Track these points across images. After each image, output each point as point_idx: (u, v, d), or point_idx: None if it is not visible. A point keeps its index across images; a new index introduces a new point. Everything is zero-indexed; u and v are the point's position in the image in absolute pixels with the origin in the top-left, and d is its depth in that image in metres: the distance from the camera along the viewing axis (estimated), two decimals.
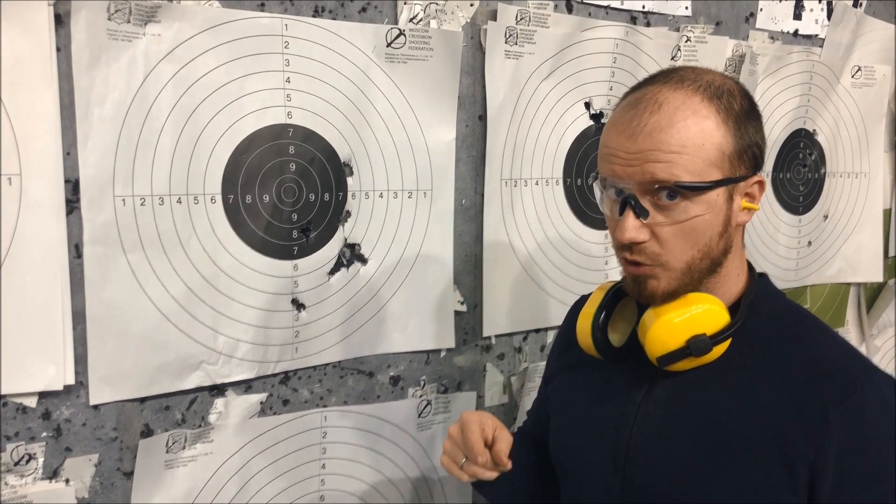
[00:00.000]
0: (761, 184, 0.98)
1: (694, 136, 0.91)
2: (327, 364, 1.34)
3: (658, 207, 0.94)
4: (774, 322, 1.01)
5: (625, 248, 0.96)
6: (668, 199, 0.93)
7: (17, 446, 1.09)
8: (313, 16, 1.24)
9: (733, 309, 1.00)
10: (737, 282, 1.02)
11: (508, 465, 1.08)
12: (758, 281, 1.05)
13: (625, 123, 0.94)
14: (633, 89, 1.00)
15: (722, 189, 0.94)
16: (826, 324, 1.05)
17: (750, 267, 1.06)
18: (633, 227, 0.93)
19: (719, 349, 0.98)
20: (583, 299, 1.13)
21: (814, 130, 1.92)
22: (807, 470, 0.90)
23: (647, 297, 0.98)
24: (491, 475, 1.10)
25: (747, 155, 0.95)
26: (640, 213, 0.93)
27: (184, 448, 1.22)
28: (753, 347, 0.99)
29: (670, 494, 0.98)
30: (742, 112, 0.95)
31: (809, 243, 1.97)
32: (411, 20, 1.31)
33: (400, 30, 1.30)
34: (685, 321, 0.96)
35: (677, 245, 0.94)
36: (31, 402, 1.09)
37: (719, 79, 0.97)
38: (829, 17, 1.86)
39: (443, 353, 1.47)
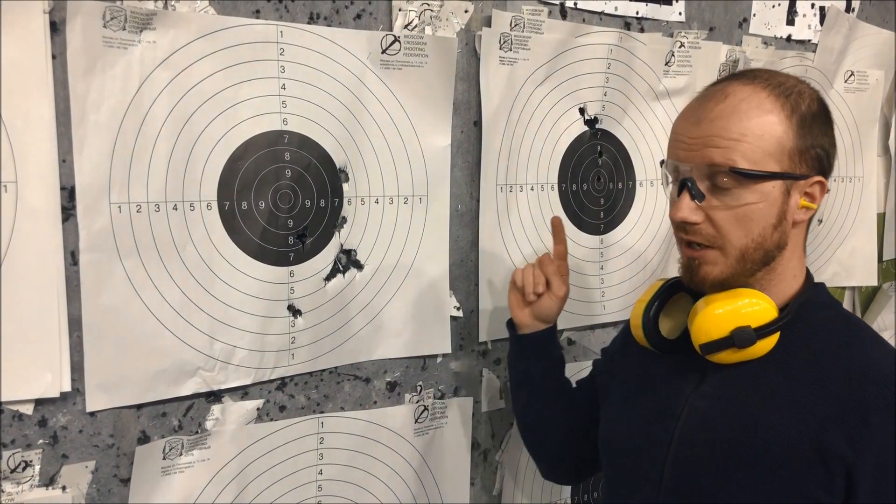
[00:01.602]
0: (822, 185, 1.01)
1: (754, 126, 0.96)
2: (324, 370, 1.35)
3: (714, 192, 0.98)
4: (827, 328, 1.03)
5: (681, 229, 1.01)
6: (724, 185, 0.97)
7: (13, 453, 1.09)
8: (308, 23, 1.24)
9: (785, 310, 1.02)
10: (792, 284, 1.05)
11: (540, 288, 1.29)
12: (815, 287, 1.07)
13: (692, 111, 1.01)
14: (710, 85, 1.05)
15: (778, 182, 0.97)
16: (880, 335, 1.06)
17: (809, 274, 1.08)
18: (686, 207, 0.99)
19: (765, 345, 1.00)
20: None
21: None
22: (844, 471, 0.92)
23: (699, 281, 1.02)
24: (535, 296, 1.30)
25: (809, 155, 0.99)
26: (696, 195, 0.99)
27: (180, 455, 1.22)
28: (802, 349, 1.00)
29: (707, 487, 1.00)
30: (809, 113, 0.99)
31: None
32: (406, 27, 1.32)
33: (395, 36, 1.31)
34: (732, 312, 0.99)
35: (731, 230, 0.99)
36: (28, 410, 1.09)
37: (792, 81, 1.02)
38: (821, 22, 1.87)
39: (439, 359, 1.47)
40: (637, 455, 1.10)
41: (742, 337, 0.98)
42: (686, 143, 1.00)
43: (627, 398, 1.16)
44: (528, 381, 1.34)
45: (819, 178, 1.00)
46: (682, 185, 1.00)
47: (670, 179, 1.05)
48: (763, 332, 0.99)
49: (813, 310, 1.03)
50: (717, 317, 0.99)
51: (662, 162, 1.07)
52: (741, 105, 0.97)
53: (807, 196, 1.00)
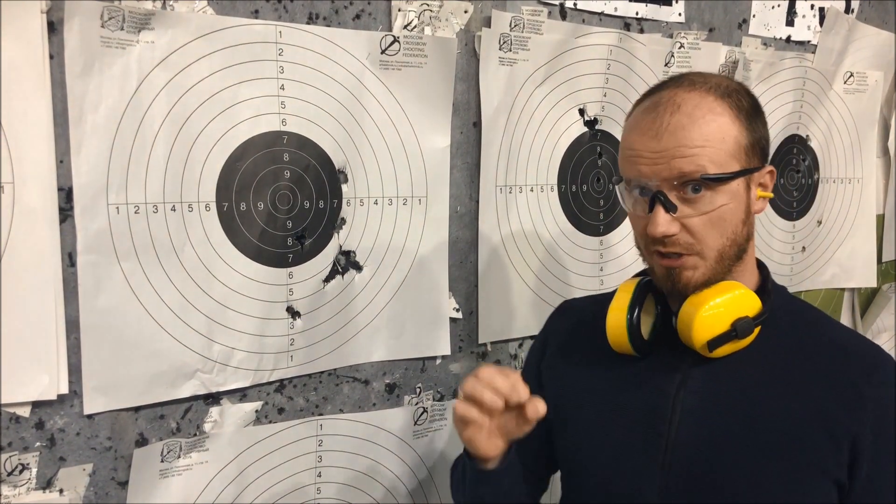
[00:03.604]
0: (772, 173, 1.06)
1: (714, 130, 0.98)
2: (323, 372, 1.34)
3: (685, 201, 1.00)
4: (788, 310, 1.09)
5: (658, 242, 1.02)
6: (693, 193, 0.99)
7: (10, 456, 1.08)
8: (307, 23, 1.24)
9: (764, 296, 1.06)
10: (754, 270, 1.10)
11: (542, 409, 1.02)
12: (769, 272, 1.11)
13: (647, 125, 1.01)
14: (647, 95, 1.06)
15: (741, 179, 1.01)
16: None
17: (759, 260, 1.13)
18: (664, 222, 0.99)
19: (752, 335, 1.03)
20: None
21: (807, 136, 1.92)
22: (849, 443, 0.98)
23: (682, 287, 1.03)
24: (528, 421, 1.03)
25: (758, 147, 1.03)
26: (670, 207, 0.99)
27: (178, 457, 1.21)
28: (777, 333, 1.05)
29: (720, 480, 1.01)
30: (750, 108, 1.03)
31: (803, 249, 1.97)
32: (405, 27, 1.31)
33: (394, 37, 1.30)
34: (729, 306, 1.01)
35: (708, 234, 1.00)
36: (25, 412, 1.08)
37: (724, 80, 1.05)
38: (821, 23, 1.87)
39: (438, 361, 1.47)
40: (626, 464, 1.07)
41: (744, 328, 1.01)
42: (649, 158, 1.00)
43: (603, 406, 1.12)
44: (496, 501, 1.13)
45: (770, 167, 1.05)
46: (654, 200, 1.00)
47: (633, 195, 1.05)
48: (759, 320, 1.03)
49: (776, 295, 1.09)
50: (719, 312, 1.01)
51: (618, 179, 1.07)
52: (696, 112, 0.99)
53: (761, 186, 1.05)
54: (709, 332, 1.01)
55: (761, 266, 1.12)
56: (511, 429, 1.05)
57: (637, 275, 1.15)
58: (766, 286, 1.08)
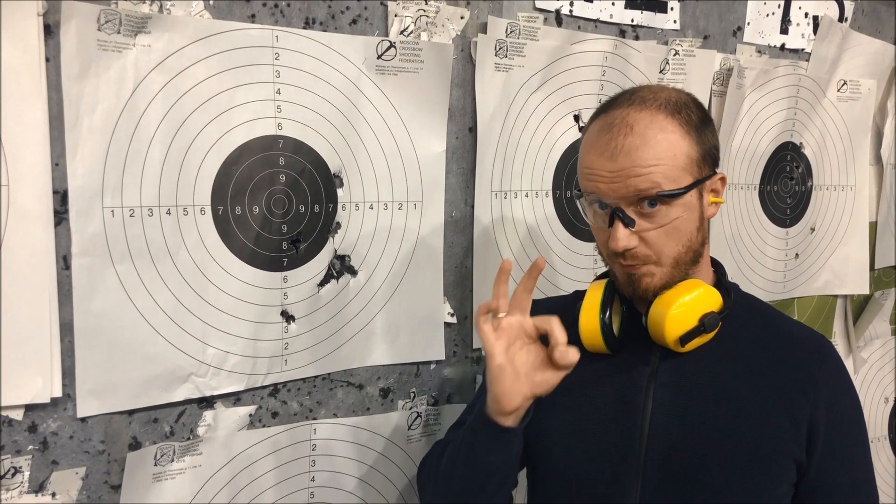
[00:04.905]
0: (723, 179, 1.12)
1: (666, 149, 1.04)
2: (317, 376, 1.34)
3: (642, 215, 1.05)
4: (743, 304, 1.17)
5: (618, 255, 1.07)
6: (650, 207, 1.04)
7: (2, 459, 1.08)
8: (304, 27, 1.24)
9: (722, 292, 1.13)
10: (709, 270, 1.18)
11: (573, 356, 1.02)
12: (723, 269, 1.20)
13: (603, 146, 1.05)
14: (601, 112, 1.10)
15: (694, 190, 1.06)
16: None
17: (712, 257, 1.20)
18: (623, 236, 1.04)
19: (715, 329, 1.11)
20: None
21: (800, 143, 1.93)
22: (807, 423, 1.07)
23: (642, 292, 1.09)
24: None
25: (709, 156, 1.09)
26: (628, 222, 1.04)
27: (172, 461, 1.21)
28: (735, 326, 1.13)
29: (694, 468, 1.07)
30: (699, 121, 1.08)
31: (797, 256, 1.98)
32: (402, 32, 1.32)
33: (391, 42, 1.30)
34: (695, 303, 1.08)
35: (665, 245, 1.06)
36: (18, 415, 1.08)
37: (674, 94, 1.09)
38: (815, 31, 1.87)
39: (433, 365, 1.47)
40: (604, 458, 1.11)
41: (711, 322, 1.08)
42: (606, 177, 1.04)
43: (575, 405, 1.15)
44: (498, 473, 1.11)
45: (721, 173, 1.11)
46: (613, 216, 1.05)
47: (593, 209, 1.10)
48: (723, 313, 1.10)
49: (732, 291, 1.16)
50: (687, 309, 1.07)
51: (578, 194, 1.12)
52: (647, 132, 1.03)
53: (713, 192, 1.11)
54: (680, 328, 1.08)
55: (717, 264, 1.19)
56: (538, 379, 1.05)
57: (600, 276, 1.21)
58: (722, 283, 1.16)
